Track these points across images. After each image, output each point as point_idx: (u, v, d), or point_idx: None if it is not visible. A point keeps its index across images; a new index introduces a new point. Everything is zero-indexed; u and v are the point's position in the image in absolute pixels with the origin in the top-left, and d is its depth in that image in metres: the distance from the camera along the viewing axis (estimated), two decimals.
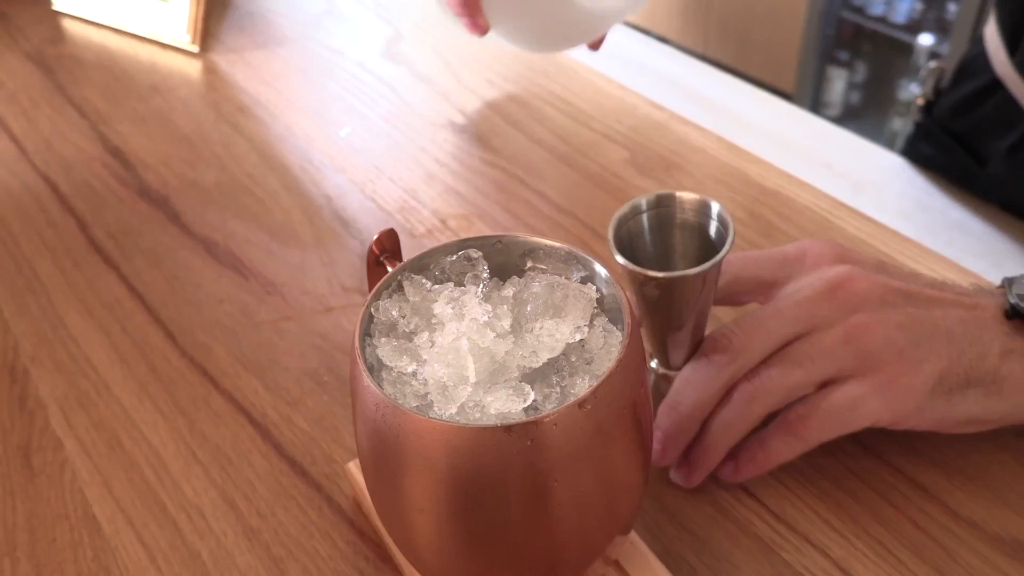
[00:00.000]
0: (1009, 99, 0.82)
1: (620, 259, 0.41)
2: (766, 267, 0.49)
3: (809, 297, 0.45)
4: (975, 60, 0.86)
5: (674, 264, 0.46)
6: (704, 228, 0.44)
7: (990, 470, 0.48)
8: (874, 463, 0.49)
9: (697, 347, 0.46)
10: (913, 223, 0.71)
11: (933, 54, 2.49)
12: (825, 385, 0.45)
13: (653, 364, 0.50)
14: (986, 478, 0.48)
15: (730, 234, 0.41)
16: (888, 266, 0.48)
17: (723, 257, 0.41)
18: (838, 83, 2.78)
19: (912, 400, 0.44)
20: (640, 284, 0.42)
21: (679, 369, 0.47)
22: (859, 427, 0.45)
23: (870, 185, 0.76)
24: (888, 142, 2.51)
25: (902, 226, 0.68)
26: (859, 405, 0.44)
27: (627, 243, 0.44)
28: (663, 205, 0.45)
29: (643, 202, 0.44)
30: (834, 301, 0.45)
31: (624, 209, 0.44)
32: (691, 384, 0.45)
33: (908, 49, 2.60)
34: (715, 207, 0.43)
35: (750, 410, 0.45)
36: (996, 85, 0.83)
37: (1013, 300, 0.46)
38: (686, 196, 0.44)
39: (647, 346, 0.48)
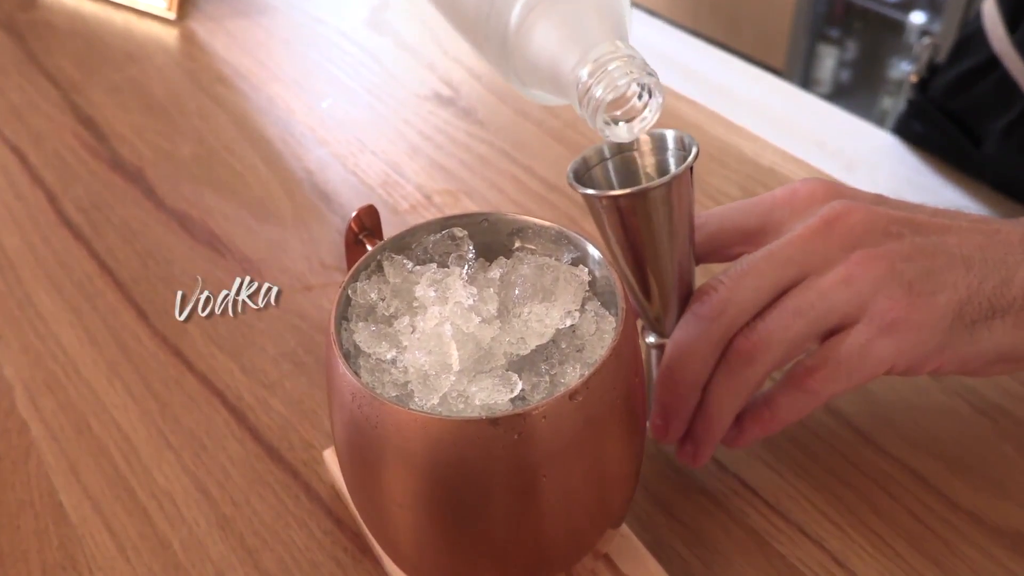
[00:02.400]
0: (1006, 77, 0.80)
1: (577, 185, 0.38)
2: (752, 213, 0.44)
3: (802, 236, 0.40)
4: (972, 37, 0.85)
5: None
6: (668, 164, 0.40)
7: (990, 460, 0.47)
8: (872, 453, 0.48)
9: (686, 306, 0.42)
10: None
11: (924, 32, 2.47)
12: (832, 334, 0.40)
13: (650, 340, 0.45)
14: (986, 468, 0.47)
15: (692, 152, 0.38)
16: (888, 199, 0.43)
17: (689, 166, 0.37)
18: (828, 61, 2.76)
19: (930, 338, 0.39)
20: (606, 213, 0.38)
21: None
22: (874, 375, 0.40)
23: (863, 163, 0.74)
24: (878, 121, 2.49)
25: None
26: (870, 350, 0.39)
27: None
28: (624, 149, 0.41)
29: (605, 147, 0.40)
30: (830, 238, 0.40)
31: (589, 151, 0.40)
32: (682, 348, 0.41)
33: (899, 27, 2.58)
34: (670, 136, 0.39)
35: (751, 371, 0.40)
36: (993, 63, 0.81)
37: None
38: (643, 136, 0.40)
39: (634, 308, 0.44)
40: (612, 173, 0.41)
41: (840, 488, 0.46)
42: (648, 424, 0.43)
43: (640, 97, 0.34)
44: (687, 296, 0.42)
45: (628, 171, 0.41)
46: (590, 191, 0.38)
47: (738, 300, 0.40)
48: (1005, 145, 0.77)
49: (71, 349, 0.56)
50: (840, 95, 2.79)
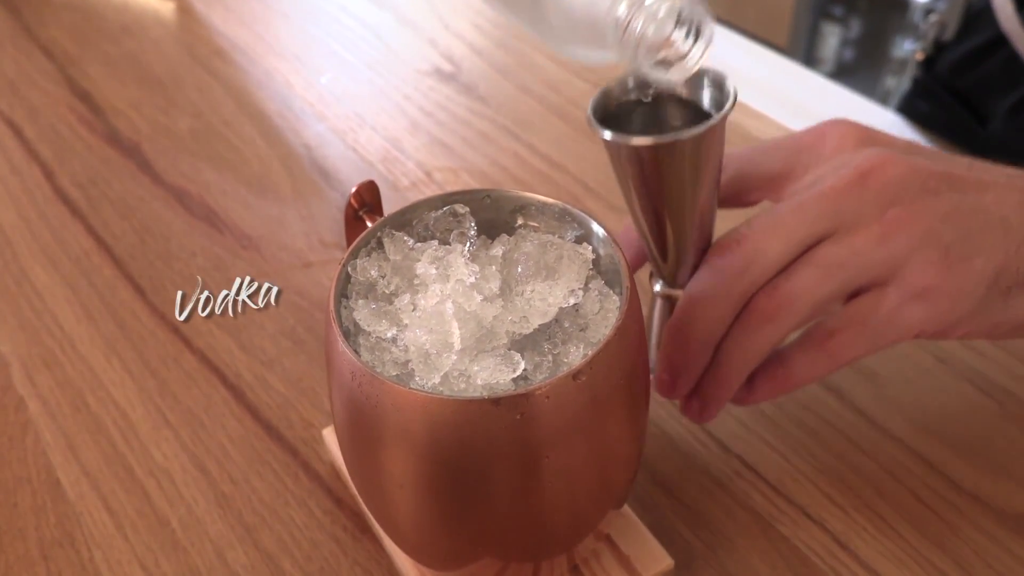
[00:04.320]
0: (1014, 56, 0.79)
1: (601, 129, 0.34)
2: (777, 157, 0.41)
3: (835, 188, 0.37)
4: (980, 15, 0.84)
5: None
6: (700, 102, 0.37)
7: (994, 442, 0.47)
8: (876, 434, 0.47)
9: (703, 256, 0.39)
10: None
11: (928, 10, 2.45)
12: (857, 294, 0.38)
13: (657, 287, 0.42)
14: (990, 451, 0.46)
15: (731, 95, 0.34)
16: (922, 148, 0.41)
17: (724, 117, 0.34)
18: (831, 39, 2.73)
19: (963, 305, 0.37)
20: (627, 161, 0.36)
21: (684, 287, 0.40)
22: (900, 340, 0.38)
23: None
24: (881, 100, 2.48)
25: None
26: (900, 315, 0.37)
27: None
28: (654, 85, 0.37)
29: (629, 79, 0.37)
30: (865, 192, 0.37)
31: (611, 83, 0.37)
32: (698, 301, 0.38)
33: (903, 5, 2.56)
34: (707, 74, 0.36)
35: (770, 330, 0.37)
36: (1001, 41, 0.80)
37: None
38: None
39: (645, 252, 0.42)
40: (637, 111, 0.37)
41: (844, 470, 0.46)
42: (652, 378, 0.40)
43: (687, 36, 0.32)
44: (705, 247, 0.39)
45: (655, 110, 0.37)
46: (612, 135, 0.34)
47: (763, 255, 0.37)
48: (1011, 124, 0.76)
49: (68, 325, 0.55)
50: (843, 74, 2.77)
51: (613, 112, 0.37)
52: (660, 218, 0.37)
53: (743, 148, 0.41)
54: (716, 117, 0.34)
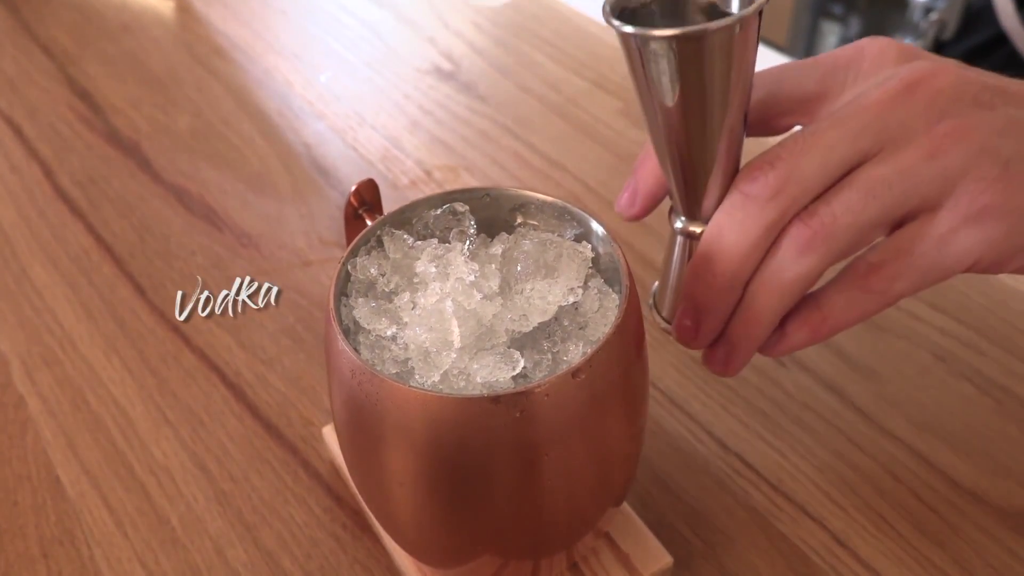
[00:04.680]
0: (1014, 54, 0.79)
1: (619, 24, 0.30)
2: (811, 76, 0.36)
3: (879, 101, 0.33)
4: (980, 14, 0.84)
5: None
6: (729, 5, 0.32)
7: (994, 441, 0.47)
8: (875, 433, 0.47)
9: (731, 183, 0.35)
10: None
11: (928, 9, 2.45)
12: (904, 223, 0.33)
13: (678, 224, 0.37)
14: (990, 449, 0.46)
15: None
16: (969, 66, 0.36)
17: (759, 9, 0.30)
18: (831, 38, 2.73)
19: (1023, 229, 0.33)
20: (648, 62, 0.31)
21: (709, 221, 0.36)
22: (953, 273, 0.34)
23: None
24: None
25: None
26: (954, 241, 0.32)
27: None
28: None
29: None
30: (913, 104, 0.32)
31: None
32: (724, 233, 0.34)
33: (903, 4, 2.55)
34: None
35: (806, 263, 0.33)
36: (1001, 39, 0.80)
37: None
38: None
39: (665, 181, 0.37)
40: (657, 12, 0.34)
41: (843, 468, 0.46)
42: (670, 327, 0.38)
43: None
44: (733, 172, 0.35)
45: (678, 11, 0.34)
46: (631, 28, 0.30)
47: (799, 178, 0.33)
48: None
49: (67, 323, 0.55)
50: None
51: (630, 17, 0.32)
52: (684, 135, 0.33)
53: (770, 68, 0.37)
54: (750, 8, 0.30)
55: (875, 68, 0.35)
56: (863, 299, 0.34)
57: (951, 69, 0.33)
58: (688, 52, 0.30)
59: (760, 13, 0.30)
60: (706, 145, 0.33)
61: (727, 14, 0.32)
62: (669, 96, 0.32)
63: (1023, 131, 0.33)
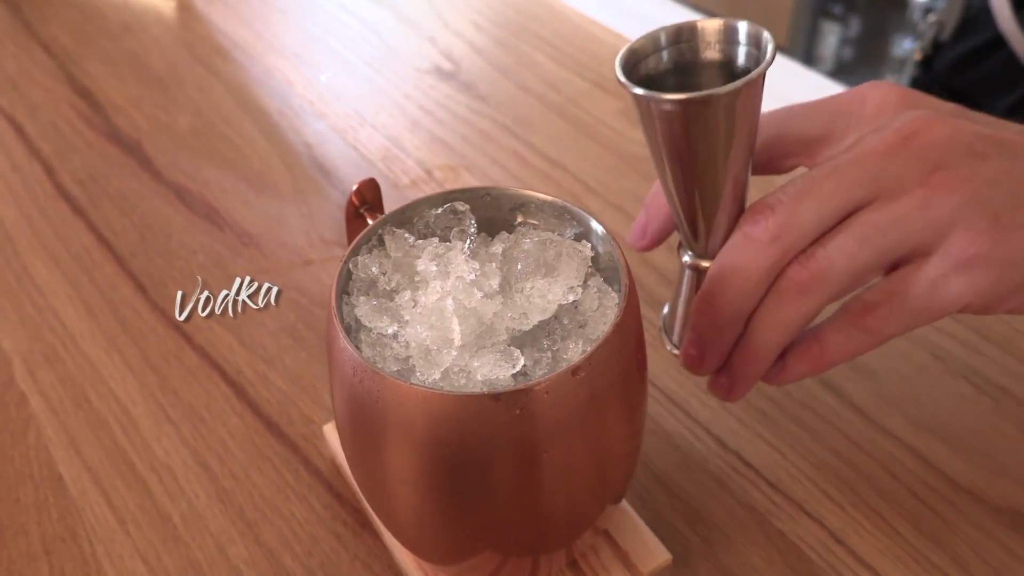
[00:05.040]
0: (1012, 57, 0.79)
1: (632, 86, 0.32)
2: (815, 120, 0.38)
3: (875, 150, 0.35)
4: (978, 15, 0.84)
5: None
6: (735, 61, 0.35)
7: (991, 440, 0.47)
8: (873, 432, 0.47)
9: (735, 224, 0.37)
10: None
11: (928, 9, 2.45)
12: (898, 266, 0.35)
13: (686, 259, 0.39)
14: (987, 448, 0.46)
15: (768, 51, 0.32)
16: (970, 112, 0.38)
17: (762, 73, 0.32)
18: (831, 38, 2.73)
19: (1011, 278, 0.34)
20: (658, 121, 0.33)
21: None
22: (943, 315, 0.35)
23: None
24: None
25: None
26: (944, 287, 0.34)
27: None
28: (684, 40, 0.35)
29: (661, 36, 0.35)
30: (908, 155, 0.34)
31: (640, 41, 0.35)
32: (728, 271, 0.36)
33: (902, 4, 2.56)
34: (743, 28, 0.34)
35: (805, 304, 0.35)
36: (999, 42, 0.80)
37: None
38: (709, 25, 0.35)
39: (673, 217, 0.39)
40: (667, 68, 0.35)
41: (841, 466, 0.46)
42: (678, 352, 0.40)
43: None
44: (738, 214, 0.37)
45: (686, 67, 0.35)
46: (642, 91, 0.32)
47: (797, 223, 0.34)
48: None
49: (69, 322, 0.56)
50: (842, 72, 2.77)
51: (641, 74, 0.35)
52: (691, 183, 0.35)
53: (776, 111, 0.39)
54: (753, 73, 0.32)
55: (876, 114, 0.37)
56: (858, 336, 0.36)
57: (946, 121, 0.35)
58: (696, 113, 0.32)
59: (764, 74, 0.32)
60: (712, 192, 0.35)
61: (734, 68, 0.34)
62: (678, 150, 0.34)
63: (1014, 181, 0.34)
